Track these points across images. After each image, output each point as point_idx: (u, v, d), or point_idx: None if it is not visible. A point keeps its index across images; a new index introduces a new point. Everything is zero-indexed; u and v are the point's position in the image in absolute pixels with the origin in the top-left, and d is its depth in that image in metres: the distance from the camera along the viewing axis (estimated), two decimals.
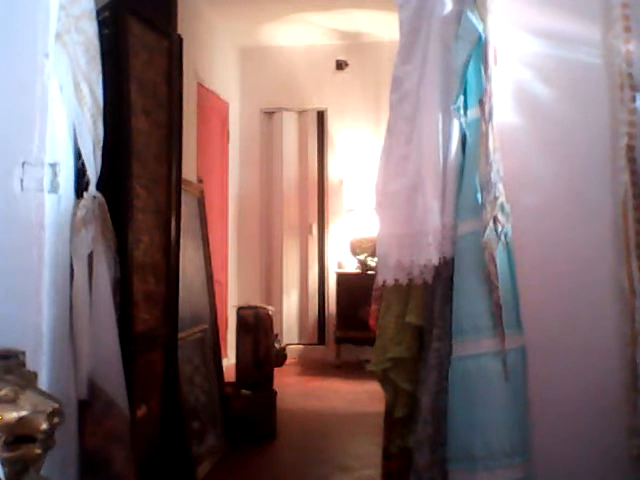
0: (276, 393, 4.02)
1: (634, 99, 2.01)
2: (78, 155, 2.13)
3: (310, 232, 6.50)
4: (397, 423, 2.17)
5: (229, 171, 6.23)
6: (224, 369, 4.08)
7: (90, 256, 2.14)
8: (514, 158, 2.04)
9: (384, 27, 5.46)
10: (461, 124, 2.02)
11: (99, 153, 2.16)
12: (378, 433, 2.32)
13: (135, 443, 2.26)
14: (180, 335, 3.11)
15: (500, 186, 1.93)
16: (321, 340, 6.44)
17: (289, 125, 6.54)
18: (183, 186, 3.12)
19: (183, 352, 3.30)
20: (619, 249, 2.01)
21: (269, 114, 6.62)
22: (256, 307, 4.23)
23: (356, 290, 5.72)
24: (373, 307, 2.36)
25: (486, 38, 1.97)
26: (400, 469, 2.16)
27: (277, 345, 4.33)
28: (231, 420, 3.78)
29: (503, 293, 1.88)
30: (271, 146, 6.60)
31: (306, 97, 6.48)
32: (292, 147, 6.56)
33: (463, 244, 1.96)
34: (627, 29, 2.03)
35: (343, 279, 6.05)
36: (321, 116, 6.55)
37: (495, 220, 1.90)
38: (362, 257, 5.97)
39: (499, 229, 1.91)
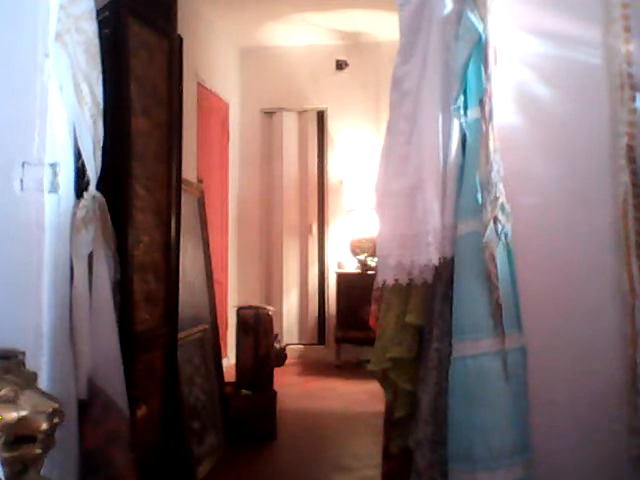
0: (276, 393, 4.02)
1: (634, 99, 2.01)
2: (78, 155, 2.13)
3: (310, 232, 6.50)
4: (397, 423, 2.17)
5: (229, 171, 6.23)
6: (224, 369, 4.08)
7: (90, 256, 2.14)
8: (514, 158, 2.03)
9: (384, 27, 5.46)
10: (461, 124, 2.01)
11: (99, 153, 2.16)
12: (378, 433, 2.33)
13: (135, 443, 2.26)
14: (180, 335, 3.11)
15: (501, 186, 1.93)
16: (321, 340, 6.44)
17: (289, 125, 6.55)
18: (183, 186, 3.12)
19: (183, 352, 3.30)
20: (619, 249, 2.01)
21: (269, 114, 6.62)
22: (256, 307, 4.23)
23: (356, 290, 5.72)
24: (373, 307, 2.36)
25: (486, 38, 1.97)
26: (400, 469, 2.16)
27: (277, 345, 4.33)
28: (231, 420, 3.78)
29: (503, 293, 1.88)
30: (271, 146, 6.60)
31: (306, 97, 6.48)
32: (292, 147, 6.56)
33: (463, 244, 1.96)
34: (627, 29, 2.02)
35: (343, 279, 6.05)
36: (321, 116, 6.55)
37: (495, 220, 1.90)
38: (362, 257, 5.97)
39: (499, 229, 1.91)
